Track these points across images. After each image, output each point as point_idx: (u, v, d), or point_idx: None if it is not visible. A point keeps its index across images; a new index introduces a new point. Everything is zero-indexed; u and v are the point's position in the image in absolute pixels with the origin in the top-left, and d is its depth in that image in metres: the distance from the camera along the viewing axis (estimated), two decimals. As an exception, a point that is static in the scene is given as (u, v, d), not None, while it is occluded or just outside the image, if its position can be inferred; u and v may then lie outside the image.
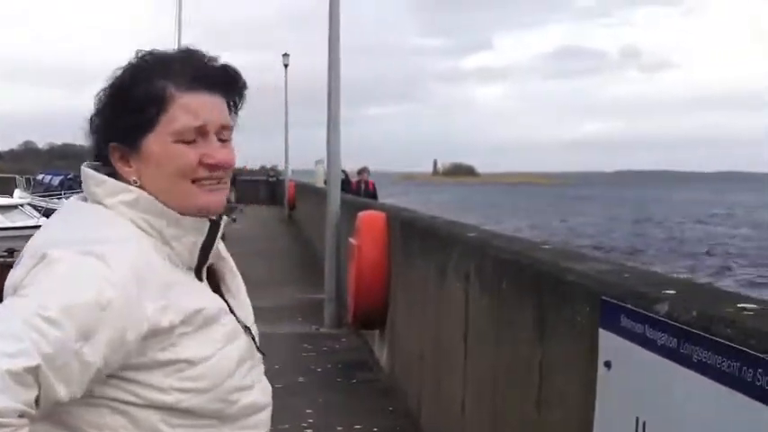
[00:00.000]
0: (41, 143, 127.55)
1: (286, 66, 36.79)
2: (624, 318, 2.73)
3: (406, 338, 7.19)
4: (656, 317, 2.54)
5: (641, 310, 2.64)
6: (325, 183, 23.81)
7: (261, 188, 54.06)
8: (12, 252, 21.58)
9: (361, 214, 8.55)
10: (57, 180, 58.86)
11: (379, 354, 8.89)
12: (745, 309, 2.38)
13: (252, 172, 71.97)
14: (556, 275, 3.47)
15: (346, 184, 20.17)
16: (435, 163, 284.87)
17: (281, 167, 52.96)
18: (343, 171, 21.59)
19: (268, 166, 69.08)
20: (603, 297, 2.91)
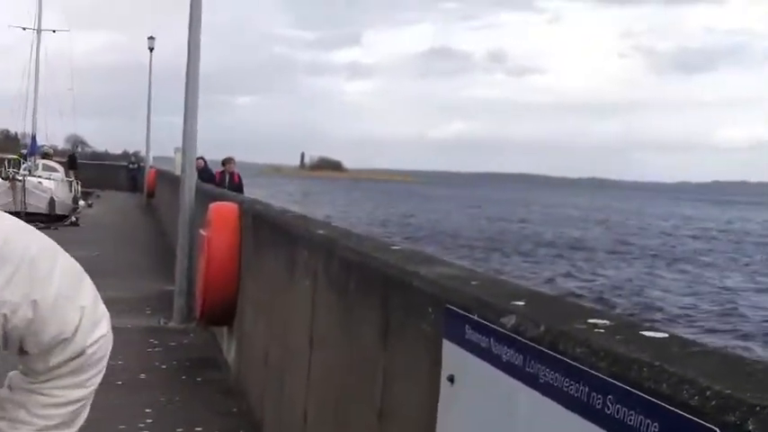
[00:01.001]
0: None
1: (151, 49, 35.66)
2: (469, 329, 2.52)
3: (254, 337, 6.86)
4: (502, 330, 2.33)
5: (486, 323, 2.42)
6: (184, 171, 23.12)
7: (120, 174, 52.64)
8: None
9: (213, 205, 8.15)
10: None
11: (227, 352, 8.51)
12: (596, 325, 2.18)
13: (114, 156, 69.90)
14: (402, 279, 3.23)
15: (206, 174, 19.47)
16: (303, 156, 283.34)
17: (144, 153, 51.59)
18: (203, 159, 20.86)
19: (131, 151, 67.33)
20: (448, 305, 2.69)
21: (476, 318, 2.48)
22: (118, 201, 38.17)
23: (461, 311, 2.58)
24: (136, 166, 51.95)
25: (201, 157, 21.51)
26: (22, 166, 39.89)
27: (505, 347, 2.27)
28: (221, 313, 7.84)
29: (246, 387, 7.07)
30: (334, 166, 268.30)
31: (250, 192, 17.98)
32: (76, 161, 50.66)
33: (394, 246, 4.14)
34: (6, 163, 39.33)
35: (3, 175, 36.73)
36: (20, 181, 33.89)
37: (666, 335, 2.10)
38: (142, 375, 8.23)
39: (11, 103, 41.84)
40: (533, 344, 2.17)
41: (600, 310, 2.45)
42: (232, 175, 18.93)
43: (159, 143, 41.01)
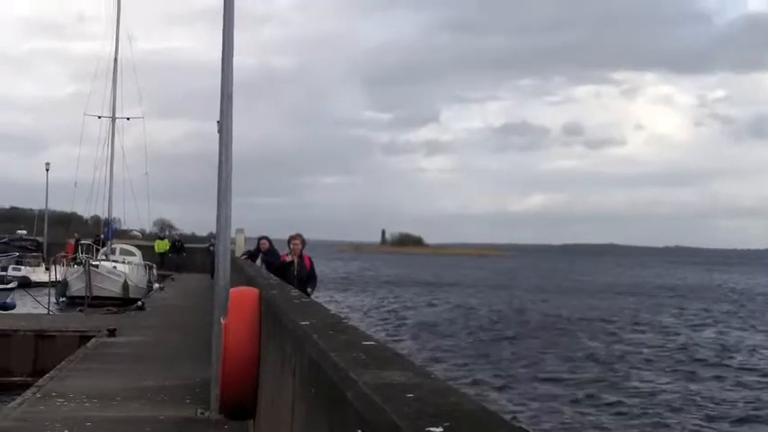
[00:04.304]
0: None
1: (220, 132, 36.09)
2: (371, 465, 1.97)
3: (266, 434, 6.35)
4: (393, 473, 1.78)
5: (382, 460, 1.87)
6: (246, 253, 22.73)
7: (198, 256, 53.01)
8: None
9: (232, 291, 7.73)
10: (-10, 243, 57.87)
11: (252, 447, 8.00)
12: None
13: (200, 239, 71.63)
14: (341, 389, 2.70)
15: (272, 256, 18.00)
16: (383, 233, 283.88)
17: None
18: (267, 239, 20.03)
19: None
20: (359, 430, 2.14)
21: (376, 450, 1.94)
22: (190, 284, 38.25)
23: (366, 439, 2.04)
24: (214, 247, 52.16)
25: (266, 237, 20.73)
26: (100, 251, 40.52)
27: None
28: (240, 406, 7.32)
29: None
30: (415, 241, 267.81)
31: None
32: (182, 245, 52.23)
33: (368, 341, 3.60)
34: (80, 248, 40.00)
35: (78, 261, 37.37)
36: (92, 266, 34.37)
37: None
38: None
39: (99, 189, 42.58)
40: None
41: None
42: (302, 258, 14.77)
43: (243, 223, 40.16)
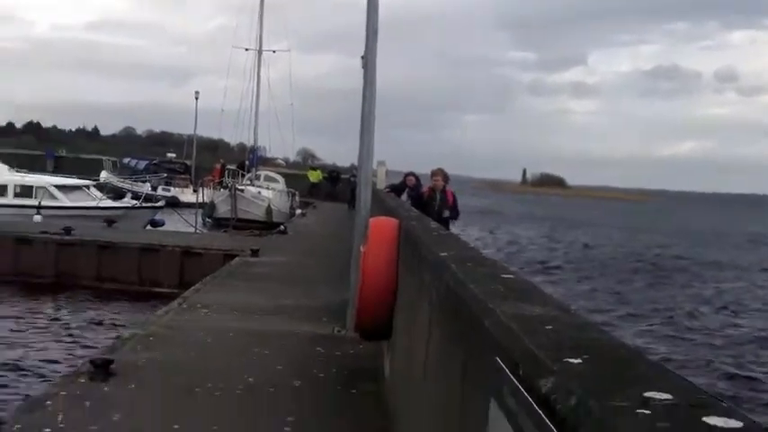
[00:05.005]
0: (140, 130, 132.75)
1: (364, 67, 36.35)
2: (507, 392, 1.99)
3: (399, 355, 6.50)
4: (530, 401, 1.79)
5: (521, 386, 1.89)
6: (389, 187, 22.82)
7: (340, 186, 53.89)
8: (69, 230, 21.78)
9: (372, 220, 7.86)
10: (142, 164, 60.97)
11: (386, 365, 8.20)
12: (648, 401, 1.61)
13: (342, 170, 73.52)
14: (478, 317, 2.74)
15: (417, 192, 17.61)
16: (524, 172, 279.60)
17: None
18: (414, 175, 19.89)
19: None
20: (497, 358, 2.17)
21: (514, 378, 1.96)
22: (330, 212, 39.02)
23: (505, 367, 2.06)
24: (355, 179, 52.91)
25: (413, 174, 20.57)
26: (246, 177, 41.76)
27: (532, 426, 1.74)
28: (375, 328, 7.51)
29: (392, 404, 6.73)
30: (557, 182, 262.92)
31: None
32: (338, 175, 53.41)
33: (507, 274, 3.61)
34: (226, 173, 41.28)
35: (224, 185, 38.65)
36: (238, 190, 35.49)
37: (740, 424, 1.51)
38: (296, 382, 8.10)
39: (246, 118, 43.73)
40: (559, 424, 1.63)
41: (674, 377, 1.85)
42: (444, 193, 14.39)
43: (384, 156, 40.74)
